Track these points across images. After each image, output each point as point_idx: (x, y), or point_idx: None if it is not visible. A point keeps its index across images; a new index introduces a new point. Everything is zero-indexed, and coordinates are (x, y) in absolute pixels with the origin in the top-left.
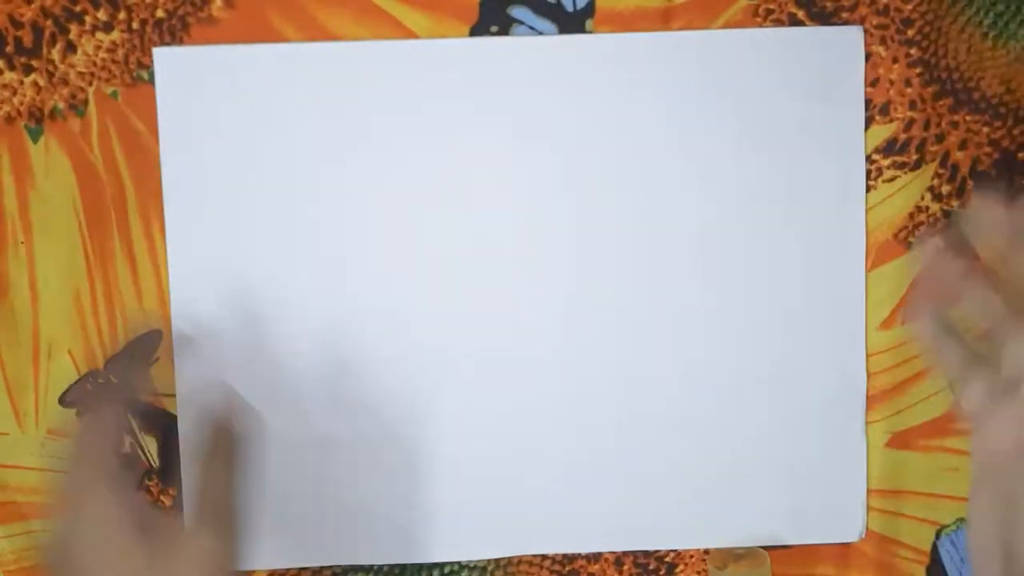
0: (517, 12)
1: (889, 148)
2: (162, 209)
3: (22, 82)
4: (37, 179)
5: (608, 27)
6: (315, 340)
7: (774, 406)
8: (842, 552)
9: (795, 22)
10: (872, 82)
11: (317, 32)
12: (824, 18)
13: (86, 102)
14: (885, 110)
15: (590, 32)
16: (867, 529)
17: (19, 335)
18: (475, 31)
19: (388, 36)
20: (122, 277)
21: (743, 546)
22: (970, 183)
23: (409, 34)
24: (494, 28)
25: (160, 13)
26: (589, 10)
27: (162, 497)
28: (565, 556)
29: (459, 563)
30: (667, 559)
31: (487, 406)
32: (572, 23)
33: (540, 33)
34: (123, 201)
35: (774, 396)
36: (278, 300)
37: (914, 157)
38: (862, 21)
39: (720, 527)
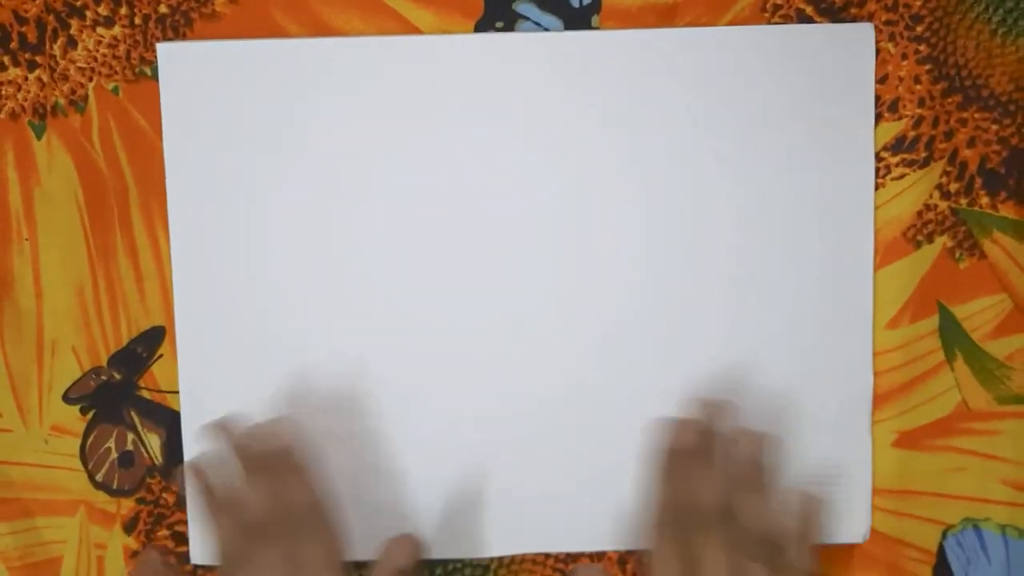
0: (522, 8)
1: (898, 146)
2: (164, 205)
3: (26, 78)
4: (41, 175)
5: (614, 23)
6: (319, 336)
7: (780, 407)
8: (848, 552)
9: (803, 18)
10: (881, 79)
11: (320, 28)
12: (833, 14)
13: (86, 98)
14: (894, 107)
15: (596, 28)
16: (873, 529)
17: (23, 332)
18: (480, 26)
19: (392, 32)
20: (125, 274)
21: None
22: (978, 181)
23: (413, 30)
24: (499, 24)
25: (163, 8)
26: (595, 6)
27: (164, 494)
28: (568, 555)
29: (462, 560)
30: None
31: (493, 406)
32: (578, 19)
33: (546, 29)
34: (125, 197)
35: (780, 397)
36: (281, 295)
37: (923, 155)
38: (871, 17)
39: None
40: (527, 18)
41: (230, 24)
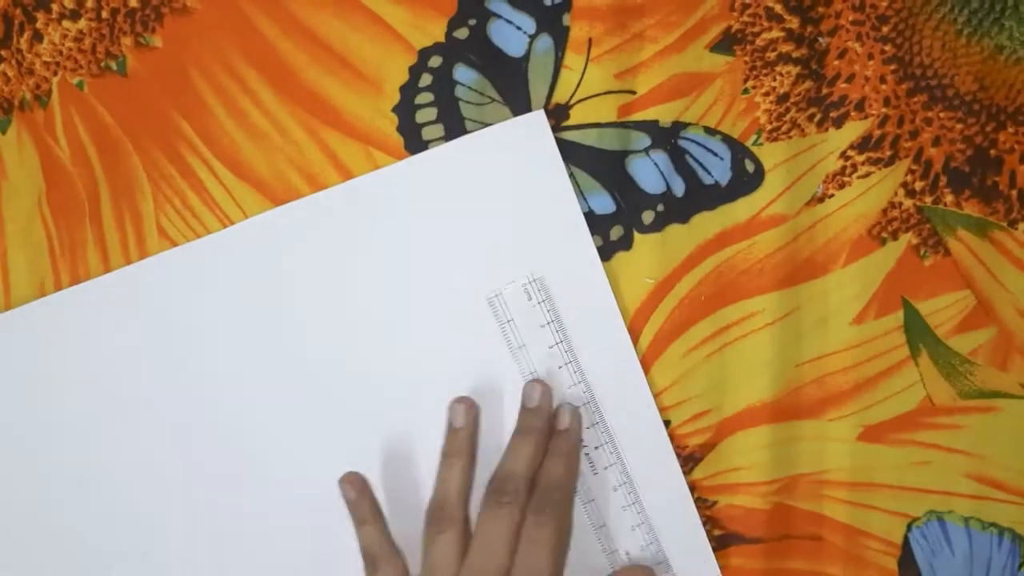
0: (495, 6)
1: (864, 144)
2: (134, 200)
3: None
4: (8, 170)
5: (585, 21)
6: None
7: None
8: (814, 546)
9: (773, 16)
10: (848, 78)
11: (292, 24)
12: (802, 12)
13: (49, 92)
14: (860, 106)
15: (566, 26)
16: (838, 523)
17: None
18: (453, 23)
19: (366, 30)
20: (94, 269)
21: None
22: (943, 179)
23: (386, 27)
24: (472, 21)
25: (133, 3)
26: (566, 4)
27: None
28: None
29: None
30: None
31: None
32: (549, 17)
33: (518, 27)
34: (96, 192)
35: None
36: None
37: (888, 153)
38: (838, 16)
39: None
40: (499, 16)
41: (201, 20)
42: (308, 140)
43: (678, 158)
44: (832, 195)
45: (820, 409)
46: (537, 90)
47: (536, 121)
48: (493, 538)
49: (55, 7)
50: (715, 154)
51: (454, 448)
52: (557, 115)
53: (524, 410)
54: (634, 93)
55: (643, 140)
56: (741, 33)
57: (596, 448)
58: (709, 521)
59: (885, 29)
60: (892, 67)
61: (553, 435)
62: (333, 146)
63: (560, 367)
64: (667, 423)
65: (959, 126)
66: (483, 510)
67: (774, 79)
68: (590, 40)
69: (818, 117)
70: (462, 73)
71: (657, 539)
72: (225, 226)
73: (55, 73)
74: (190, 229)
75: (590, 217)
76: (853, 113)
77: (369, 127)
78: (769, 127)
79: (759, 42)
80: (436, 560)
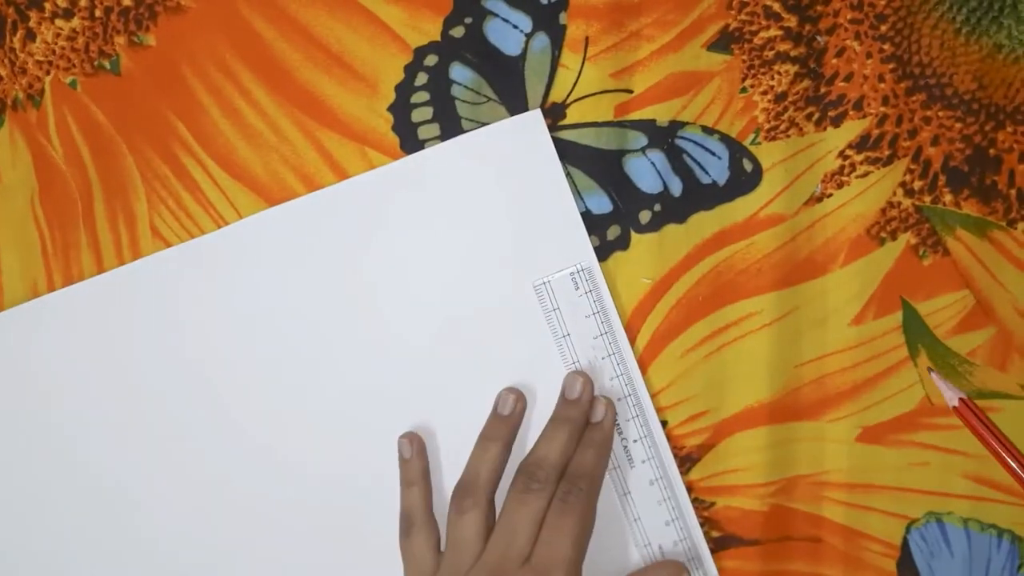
0: (491, 4)
1: (862, 143)
2: (128, 199)
3: None
4: (1, 170)
5: (581, 19)
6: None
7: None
8: (812, 548)
9: (771, 14)
10: (846, 77)
11: (287, 23)
12: (800, 10)
13: (42, 92)
14: (859, 105)
15: (563, 25)
16: (837, 524)
17: None
18: (449, 21)
19: (362, 29)
20: (87, 269)
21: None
22: (942, 178)
23: (381, 25)
24: (468, 19)
25: (127, 1)
26: (563, 3)
27: None
28: None
29: None
30: None
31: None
32: (546, 15)
33: (515, 26)
34: (88, 192)
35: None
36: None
37: (887, 152)
38: (836, 15)
39: None
40: (496, 14)
41: (196, 19)
42: (303, 140)
43: (675, 157)
44: (831, 194)
45: (819, 410)
46: (534, 89)
47: (533, 120)
48: (517, 523)
49: (48, 6)
50: (713, 153)
51: (494, 432)
52: (554, 114)
53: (563, 400)
54: (631, 92)
55: (640, 139)
56: (739, 32)
57: (635, 441)
58: (707, 522)
59: (883, 28)
60: (891, 66)
61: (588, 426)
62: (328, 146)
63: (603, 358)
64: (664, 423)
65: (958, 125)
66: (511, 494)
67: (772, 78)
68: (587, 39)
69: (816, 116)
70: (458, 72)
71: (691, 535)
72: (219, 227)
73: (48, 72)
74: (184, 230)
75: (587, 217)
76: (851, 112)
77: (364, 127)
78: (767, 126)
79: (757, 41)
80: (459, 538)
